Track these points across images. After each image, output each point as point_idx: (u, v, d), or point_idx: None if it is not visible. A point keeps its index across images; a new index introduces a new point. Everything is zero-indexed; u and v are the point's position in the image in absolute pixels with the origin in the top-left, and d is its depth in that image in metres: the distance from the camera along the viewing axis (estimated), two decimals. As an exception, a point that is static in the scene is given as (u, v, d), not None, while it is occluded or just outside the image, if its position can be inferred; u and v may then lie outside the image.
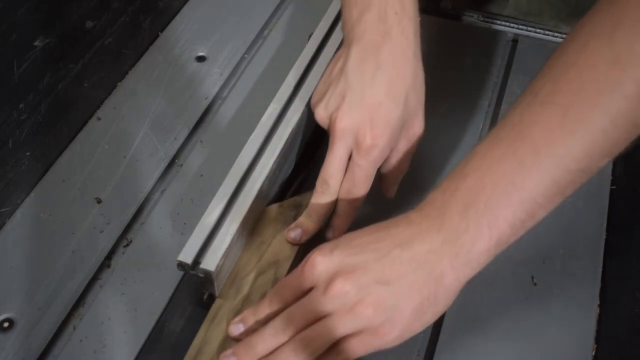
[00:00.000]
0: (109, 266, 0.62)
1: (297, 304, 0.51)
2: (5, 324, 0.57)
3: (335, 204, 0.59)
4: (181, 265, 0.55)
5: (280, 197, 0.65)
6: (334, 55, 0.65)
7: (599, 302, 0.59)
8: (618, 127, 0.46)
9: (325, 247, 0.51)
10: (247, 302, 0.56)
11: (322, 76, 0.64)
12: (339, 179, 0.59)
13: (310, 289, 0.50)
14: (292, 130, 0.63)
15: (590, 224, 0.64)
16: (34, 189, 0.67)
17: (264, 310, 0.52)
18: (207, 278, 0.55)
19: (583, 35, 0.48)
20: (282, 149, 0.62)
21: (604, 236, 0.63)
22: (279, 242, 0.60)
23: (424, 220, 0.50)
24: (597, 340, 0.57)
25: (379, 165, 0.59)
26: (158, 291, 0.59)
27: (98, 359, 0.56)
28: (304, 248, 0.59)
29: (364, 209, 0.60)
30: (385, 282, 0.48)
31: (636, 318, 0.58)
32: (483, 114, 0.74)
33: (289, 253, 0.59)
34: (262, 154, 0.62)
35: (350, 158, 0.59)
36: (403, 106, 0.59)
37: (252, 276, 0.58)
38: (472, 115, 0.74)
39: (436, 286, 0.48)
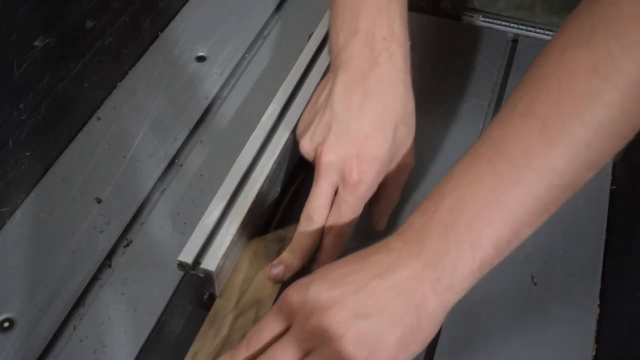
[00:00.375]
0: (109, 266, 0.62)
1: (275, 345, 0.48)
2: (5, 324, 0.57)
3: (320, 239, 0.57)
4: (181, 265, 0.55)
5: (280, 197, 0.65)
6: (319, 82, 0.62)
7: (599, 302, 0.59)
8: (601, 138, 0.44)
9: (301, 282, 0.49)
10: (226, 344, 0.53)
11: (307, 104, 0.62)
12: (324, 214, 0.57)
13: (289, 328, 0.48)
14: (292, 130, 0.63)
15: (590, 224, 0.64)
16: (34, 189, 0.67)
17: (242, 354, 0.49)
18: (208, 278, 0.55)
19: (561, 42, 0.46)
20: (282, 149, 0.62)
21: (604, 236, 0.63)
22: (261, 279, 0.57)
23: (403, 246, 0.47)
24: (597, 340, 0.57)
25: (367, 200, 0.57)
26: (158, 291, 0.59)
27: (98, 359, 0.56)
28: (288, 286, 0.55)
29: (352, 242, 0.57)
30: (365, 316, 0.45)
31: (636, 318, 0.58)
32: (483, 114, 0.74)
33: (270, 291, 0.57)
34: (262, 154, 0.62)
35: (336, 192, 0.57)
36: (392, 138, 0.56)
37: (232, 316, 0.55)
38: (472, 115, 0.74)
39: (419, 314, 0.45)
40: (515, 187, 0.45)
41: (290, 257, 0.57)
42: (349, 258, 0.49)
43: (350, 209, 0.56)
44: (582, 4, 0.46)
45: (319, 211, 0.57)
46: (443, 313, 0.47)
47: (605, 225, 0.64)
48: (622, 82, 0.43)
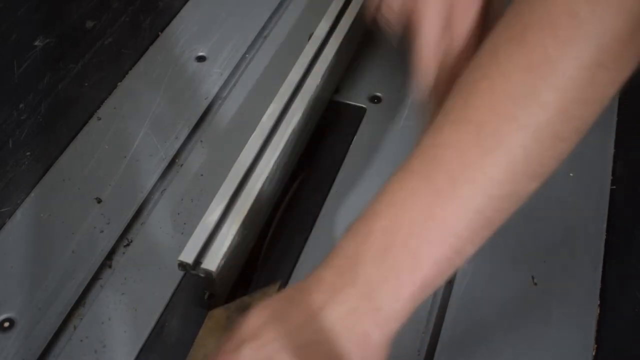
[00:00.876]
0: (109, 266, 0.62)
1: None
2: (6, 324, 0.57)
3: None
4: (182, 265, 0.55)
5: (280, 197, 0.65)
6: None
7: (599, 302, 0.59)
8: (540, 141, 0.41)
9: (230, 346, 0.43)
10: None
11: None
12: (440, 45, 0.50)
13: None
14: (292, 130, 0.63)
15: (590, 224, 0.64)
16: (34, 189, 0.67)
17: None
18: (209, 278, 0.55)
19: (493, 43, 0.43)
20: (283, 149, 0.62)
21: (604, 236, 0.63)
22: None
23: (337, 277, 0.42)
24: (597, 340, 0.57)
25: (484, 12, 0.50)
26: (158, 291, 0.59)
27: (98, 358, 0.55)
28: None
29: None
30: None
31: (636, 318, 0.58)
32: (483, 114, 0.74)
33: None
34: (263, 154, 0.62)
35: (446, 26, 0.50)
36: None
37: None
38: (472, 115, 0.74)
39: (363, 350, 0.42)
40: (452, 201, 0.41)
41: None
42: (281, 301, 0.44)
43: (472, 24, 0.50)
44: (512, 4, 0.43)
45: (429, 55, 0.50)
46: (388, 341, 0.43)
47: (605, 225, 0.64)
48: (559, 80, 0.40)
